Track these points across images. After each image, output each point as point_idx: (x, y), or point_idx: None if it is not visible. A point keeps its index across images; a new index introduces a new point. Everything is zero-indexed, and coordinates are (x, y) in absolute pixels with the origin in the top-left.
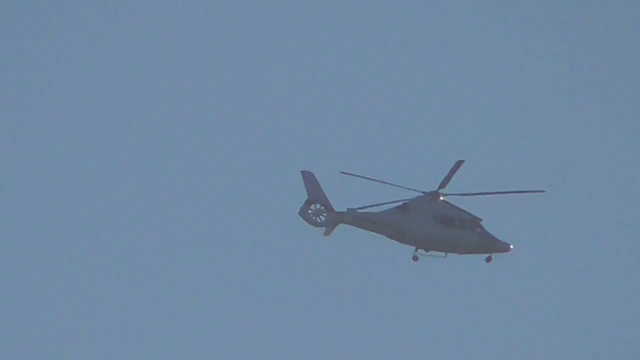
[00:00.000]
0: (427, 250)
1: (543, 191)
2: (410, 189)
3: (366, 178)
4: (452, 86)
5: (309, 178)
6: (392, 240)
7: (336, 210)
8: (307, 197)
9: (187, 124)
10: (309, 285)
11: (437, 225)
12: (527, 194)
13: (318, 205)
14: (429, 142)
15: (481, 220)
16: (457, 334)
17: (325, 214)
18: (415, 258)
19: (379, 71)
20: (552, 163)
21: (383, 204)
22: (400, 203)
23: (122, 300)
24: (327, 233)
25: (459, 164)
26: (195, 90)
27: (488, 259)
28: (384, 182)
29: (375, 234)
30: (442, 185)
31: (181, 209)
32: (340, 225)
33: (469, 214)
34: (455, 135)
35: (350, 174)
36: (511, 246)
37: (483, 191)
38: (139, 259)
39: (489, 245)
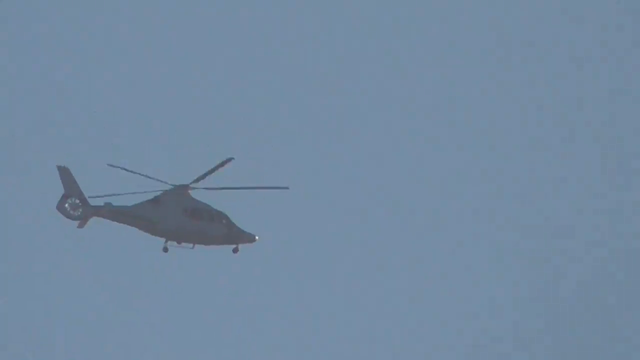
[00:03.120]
0: (178, 242)
1: (287, 187)
2: (161, 181)
3: (127, 170)
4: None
5: (64, 173)
6: (145, 233)
7: (91, 204)
8: (63, 191)
9: None
10: (70, 276)
11: (187, 218)
12: (272, 190)
13: (74, 199)
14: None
15: (226, 215)
16: (206, 321)
17: (81, 208)
18: (165, 249)
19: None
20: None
21: (134, 192)
22: (152, 196)
23: None
24: (80, 225)
25: (227, 161)
26: None
27: (235, 250)
28: (140, 174)
29: (128, 226)
30: (200, 178)
31: None
32: (94, 218)
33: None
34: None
35: (115, 166)
36: (256, 237)
37: (229, 186)
38: None
39: (236, 236)
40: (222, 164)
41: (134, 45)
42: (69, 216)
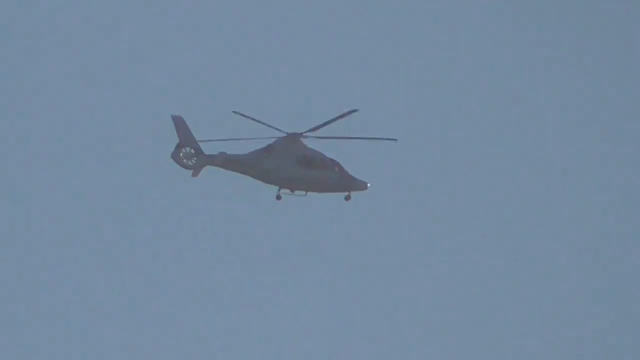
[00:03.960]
0: (291, 190)
1: (395, 139)
2: (275, 128)
3: (251, 118)
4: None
5: (179, 122)
6: (257, 181)
7: (205, 152)
8: (178, 140)
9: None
10: (184, 224)
11: (300, 166)
12: (381, 140)
13: (189, 149)
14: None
15: (339, 163)
16: (320, 268)
17: (195, 157)
18: (278, 197)
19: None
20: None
21: (246, 138)
22: (265, 145)
23: None
24: (195, 174)
25: (351, 112)
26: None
27: (347, 197)
28: (260, 123)
29: (242, 174)
30: (319, 127)
31: (64, 156)
32: (207, 167)
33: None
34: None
35: (241, 114)
36: (368, 184)
37: (341, 135)
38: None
39: (348, 184)
40: (345, 115)
41: None
42: (183, 165)
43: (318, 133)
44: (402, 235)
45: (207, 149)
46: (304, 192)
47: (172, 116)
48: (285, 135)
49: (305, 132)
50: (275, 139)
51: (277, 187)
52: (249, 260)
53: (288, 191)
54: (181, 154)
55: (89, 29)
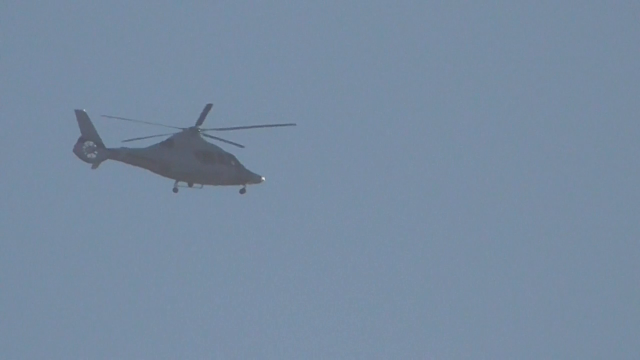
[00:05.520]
0: (189, 184)
1: (294, 124)
2: (170, 126)
3: (126, 119)
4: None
5: (81, 116)
6: (155, 174)
7: (107, 146)
8: (80, 134)
9: None
10: (85, 216)
11: (198, 160)
12: (279, 127)
13: (91, 143)
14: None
15: (235, 157)
16: (215, 259)
17: (97, 151)
18: (175, 190)
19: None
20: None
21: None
22: (165, 139)
23: None
24: (94, 167)
25: (208, 107)
26: None
27: (242, 191)
28: (145, 122)
29: (141, 168)
30: (199, 122)
31: None
32: (107, 160)
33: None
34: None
35: (111, 117)
36: (263, 178)
37: (237, 125)
38: None
39: (244, 177)
40: (205, 110)
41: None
42: (84, 158)
43: (217, 130)
44: (295, 228)
45: (108, 141)
46: (201, 185)
47: (75, 110)
48: (183, 129)
49: (204, 128)
50: (175, 133)
51: (174, 180)
52: (147, 251)
53: (185, 184)
54: (83, 148)
55: None
